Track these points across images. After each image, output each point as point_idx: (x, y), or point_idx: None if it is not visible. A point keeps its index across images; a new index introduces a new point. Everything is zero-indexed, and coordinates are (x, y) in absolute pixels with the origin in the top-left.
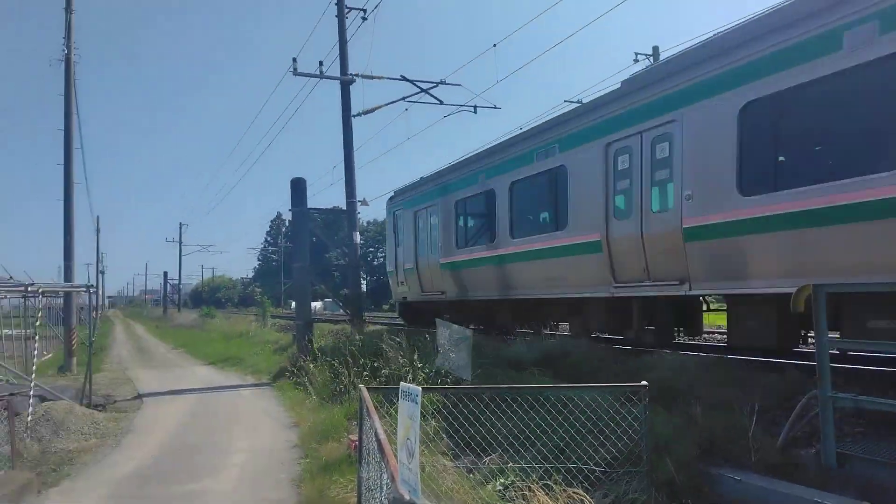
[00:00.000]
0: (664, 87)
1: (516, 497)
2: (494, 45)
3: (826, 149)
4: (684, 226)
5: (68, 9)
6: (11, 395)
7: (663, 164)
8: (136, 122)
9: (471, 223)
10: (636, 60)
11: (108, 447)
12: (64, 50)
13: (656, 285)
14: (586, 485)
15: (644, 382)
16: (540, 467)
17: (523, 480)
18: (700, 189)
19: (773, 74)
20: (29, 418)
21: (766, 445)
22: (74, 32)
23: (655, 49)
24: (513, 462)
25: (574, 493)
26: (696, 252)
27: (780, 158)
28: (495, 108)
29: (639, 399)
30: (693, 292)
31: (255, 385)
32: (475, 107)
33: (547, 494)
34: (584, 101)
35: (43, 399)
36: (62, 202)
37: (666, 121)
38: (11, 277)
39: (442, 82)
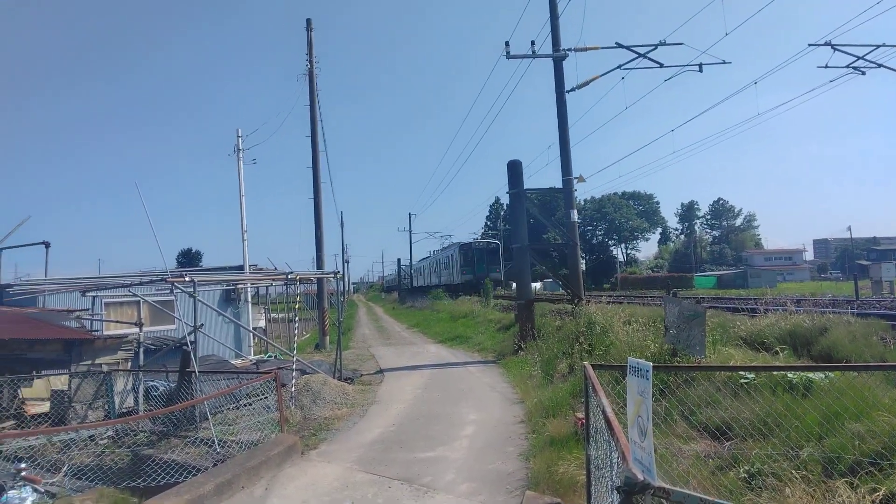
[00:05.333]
0: None
1: (765, 487)
2: None
3: None
4: None
5: (308, 28)
6: (279, 368)
7: None
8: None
9: None
10: None
11: (356, 415)
12: (307, 65)
13: None
14: (851, 477)
15: None
16: (794, 454)
17: (772, 468)
18: None
19: None
20: (293, 389)
21: None
22: (315, 47)
23: None
24: (759, 448)
25: (834, 485)
26: None
27: None
28: (724, 62)
29: None
30: None
31: (481, 362)
32: (700, 65)
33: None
34: (835, 42)
35: (303, 372)
36: (312, 200)
37: None
38: (276, 268)
39: (662, 43)
